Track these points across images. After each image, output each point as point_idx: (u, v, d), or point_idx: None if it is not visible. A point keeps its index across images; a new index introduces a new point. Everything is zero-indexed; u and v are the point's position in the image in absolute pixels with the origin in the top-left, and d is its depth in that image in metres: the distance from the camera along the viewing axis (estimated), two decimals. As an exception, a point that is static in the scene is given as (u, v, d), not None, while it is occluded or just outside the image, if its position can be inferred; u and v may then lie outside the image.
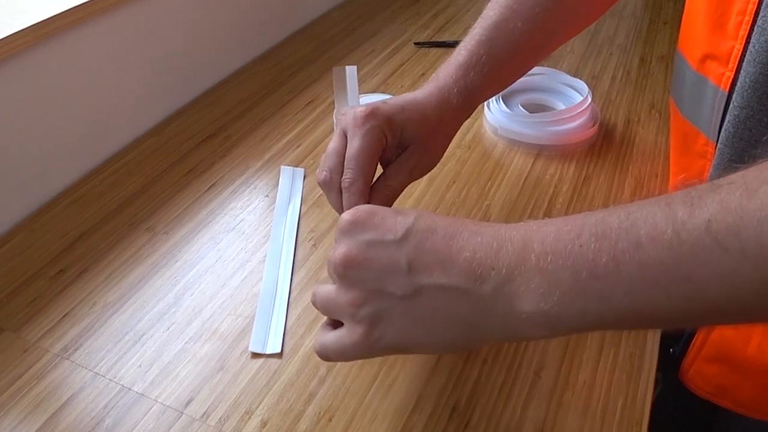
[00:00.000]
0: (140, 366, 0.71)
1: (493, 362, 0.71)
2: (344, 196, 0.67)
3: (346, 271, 0.53)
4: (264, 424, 0.65)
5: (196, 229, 0.89)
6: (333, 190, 0.68)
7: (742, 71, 0.63)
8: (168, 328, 0.75)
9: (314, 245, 0.86)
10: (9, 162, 0.89)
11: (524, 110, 1.07)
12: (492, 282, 0.48)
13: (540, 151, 1.03)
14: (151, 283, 0.81)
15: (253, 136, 1.08)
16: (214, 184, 0.97)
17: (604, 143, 1.06)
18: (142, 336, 0.74)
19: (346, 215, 0.55)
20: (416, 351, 0.55)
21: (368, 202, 0.67)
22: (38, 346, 0.74)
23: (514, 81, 0.88)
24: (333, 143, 0.70)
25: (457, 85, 0.76)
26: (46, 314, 0.77)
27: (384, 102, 0.71)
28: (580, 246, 0.46)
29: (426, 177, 0.93)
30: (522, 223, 0.50)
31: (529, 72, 1.12)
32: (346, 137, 0.69)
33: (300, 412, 0.66)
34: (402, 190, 0.73)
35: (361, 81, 1.23)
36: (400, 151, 0.72)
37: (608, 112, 1.14)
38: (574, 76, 1.16)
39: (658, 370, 0.72)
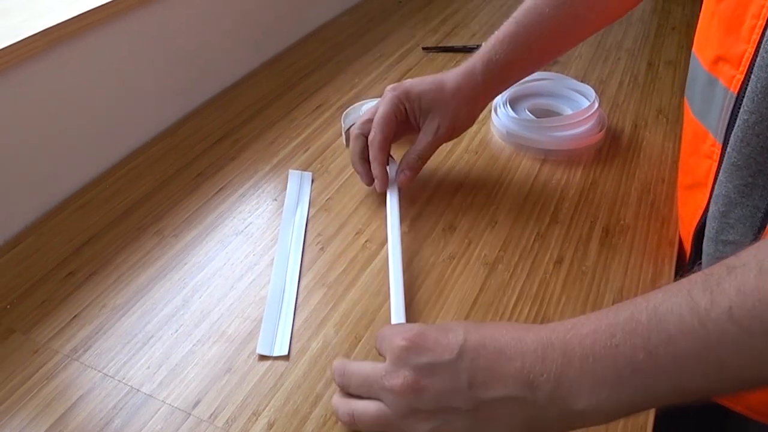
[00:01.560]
0: (149, 367, 0.71)
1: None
2: (370, 148, 0.89)
3: (411, 396, 0.55)
4: (271, 425, 0.66)
5: (204, 233, 0.89)
6: (356, 141, 0.91)
7: (753, 75, 0.63)
8: (176, 331, 0.75)
9: (321, 249, 0.86)
10: (19, 164, 0.90)
11: (531, 115, 1.07)
12: (544, 387, 0.52)
13: (547, 156, 1.03)
14: (160, 285, 0.81)
15: (262, 140, 1.09)
16: (223, 188, 0.98)
17: (611, 148, 1.06)
18: (150, 338, 0.75)
19: (399, 338, 0.58)
20: None
21: (388, 154, 0.91)
22: (48, 348, 0.74)
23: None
24: (368, 108, 0.93)
25: (482, 60, 0.91)
26: (56, 316, 0.78)
27: (412, 79, 0.92)
28: (617, 346, 0.49)
29: (434, 181, 0.95)
30: (557, 324, 0.54)
31: (537, 77, 1.13)
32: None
33: (307, 413, 0.66)
34: (430, 153, 0.92)
35: (369, 86, 1.24)
36: (425, 117, 0.90)
37: (615, 117, 1.14)
38: (582, 80, 1.17)
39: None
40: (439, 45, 1.40)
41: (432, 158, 0.93)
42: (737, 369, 0.47)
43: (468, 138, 1.07)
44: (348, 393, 0.63)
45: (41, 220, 0.93)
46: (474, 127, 1.08)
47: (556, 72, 1.24)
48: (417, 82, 0.91)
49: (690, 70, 0.82)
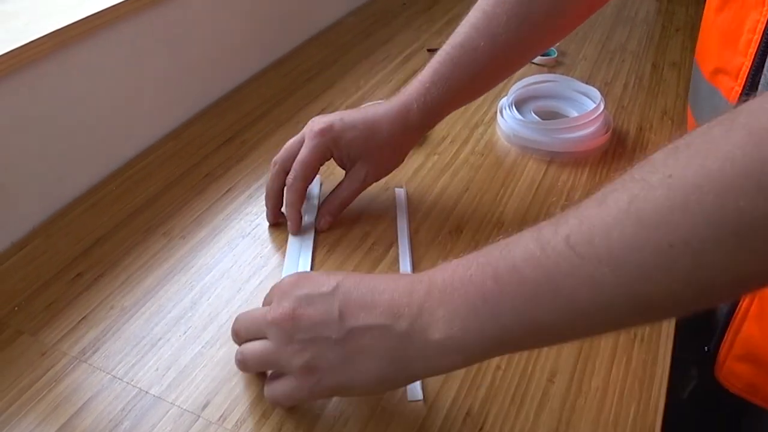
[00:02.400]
0: (157, 369, 0.72)
1: (506, 368, 0.72)
2: (286, 191, 0.87)
3: (287, 324, 0.59)
4: (280, 426, 0.66)
5: (212, 234, 0.90)
6: (274, 180, 0.88)
7: (758, 89, 0.64)
8: (185, 332, 0.76)
9: (329, 251, 0.87)
10: (27, 166, 0.90)
11: (537, 117, 1.07)
12: (407, 318, 0.55)
13: (553, 158, 1.03)
14: (168, 287, 0.82)
15: (269, 141, 1.09)
16: (230, 189, 0.98)
17: (616, 150, 1.06)
18: (159, 340, 0.75)
19: (286, 280, 0.64)
20: (353, 391, 0.62)
21: (302, 200, 0.88)
22: (56, 350, 0.74)
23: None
24: (291, 142, 0.88)
25: (417, 102, 0.87)
26: (64, 318, 0.78)
27: (343, 118, 0.87)
28: (471, 276, 0.53)
29: (439, 184, 0.95)
30: (439, 266, 0.57)
31: (542, 79, 1.13)
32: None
33: (316, 415, 0.67)
34: (353, 197, 0.90)
35: (374, 88, 1.25)
36: (353, 163, 0.88)
37: (621, 119, 1.15)
38: (587, 82, 1.17)
39: (692, 366, 0.72)
40: (445, 46, 1.40)
41: (437, 161, 0.94)
42: (572, 299, 0.48)
43: (474, 140, 1.07)
44: (241, 341, 0.67)
45: (49, 221, 0.93)
46: (479, 129, 1.09)
47: (561, 74, 1.24)
48: (348, 127, 0.86)
49: (692, 78, 0.83)
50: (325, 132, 0.85)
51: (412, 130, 0.89)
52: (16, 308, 0.79)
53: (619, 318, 0.50)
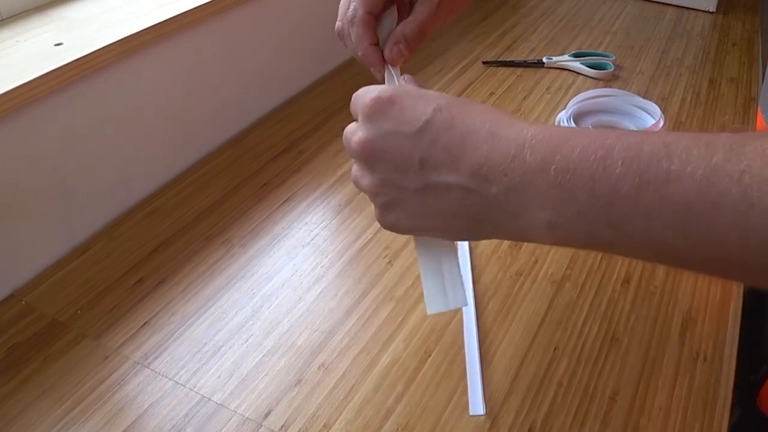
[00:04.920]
0: (219, 377, 0.72)
1: (568, 385, 0.71)
2: (351, 33, 0.67)
3: (363, 157, 0.52)
4: (342, 438, 0.66)
5: (271, 243, 0.90)
6: (345, 37, 0.69)
7: None
8: (246, 341, 0.76)
9: (389, 262, 0.87)
10: (91, 172, 0.91)
11: (596, 132, 1.07)
12: (501, 185, 0.47)
13: (611, 173, 1.02)
14: (229, 295, 0.82)
15: (326, 152, 1.10)
16: (288, 199, 0.98)
17: (675, 166, 1.05)
18: (220, 347, 0.76)
19: (368, 99, 0.52)
20: (426, 235, 0.57)
21: (375, 38, 0.67)
22: (119, 354, 0.75)
23: None
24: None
25: None
26: (126, 323, 0.79)
27: None
28: (605, 168, 0.44)
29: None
30: (550, 127, 0.48)
31: (601, 93, 1.13)
32: None
33: (378, 428, 0.67)
34: (431, 24, 0.68)
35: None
36: None
37: (679, 135, 1.13)
38: (644, 97, 1.16)
39: (736, 397, 0.71)
40: (499, 59, 1.40)
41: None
42: (721, 238, 0.41)
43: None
44: None
45: (111, 225, 0.94)
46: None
47: (618, 88, 1.23)
48: None
49: (765, 80, 0.81)
50: None
51: None
52: (78, 312, 0.81)
53: (763, 273, 0.43)
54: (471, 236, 0.54)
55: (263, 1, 1.13)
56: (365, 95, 0.53)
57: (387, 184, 0.52)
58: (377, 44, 0.68)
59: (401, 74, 0.66)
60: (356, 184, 0.56)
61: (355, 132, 0.53)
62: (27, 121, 0.81)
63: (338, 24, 0.69)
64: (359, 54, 0.68)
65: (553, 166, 0.45)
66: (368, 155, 0.52)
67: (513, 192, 0.47)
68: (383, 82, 0.66)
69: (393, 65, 0.67)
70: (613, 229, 0.44)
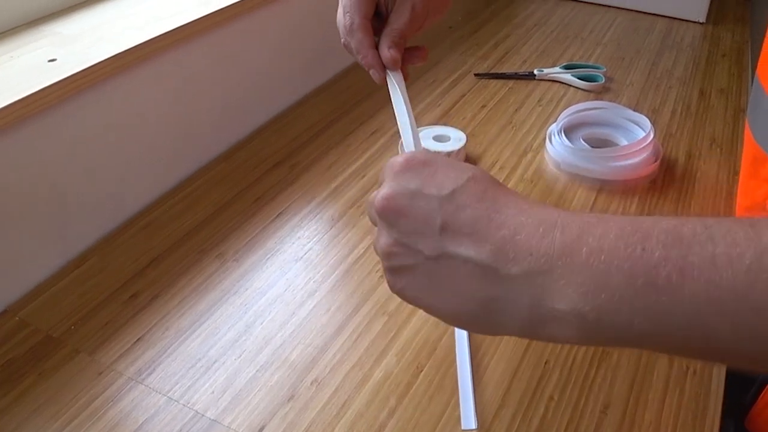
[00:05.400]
0: (213, 392, 0.73)
1: (559, 399, 0.72)
2: (352, 41, 0.71)
3: (383, 212, 0.49)
4: (335, 454, 0.66)
5: (264, 257, 0.91)
6: (351, 48, 0.73)
7: None
8: (239, 356, 0.77)
9: (381, 277, 0.87)
10: (84, 186, 0.92)
11: (586, 145, 1.08)
12: (525, 265, 0.43)
13: (602, 185, 1.03)
14: (222, 310, 0.83)
15: (319, 165, 1.10)
16: (281, 213, 0.99)
17: (665, 178, 1.06)
18: (214, 362, 0.76)
19: (400, 158, 0.51)
20: (432, 313, 0.52)
21: (374, 42, 0.72)
22: (113, 369, 0.76)
23: None
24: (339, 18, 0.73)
25: None
26: (120, 338, 0.80)
27: None
28: (643, 250, 0.40)
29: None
30: (580, 212, 0.46)
31: (591, 106, 1.13)
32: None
33: (369, 442, 0.67)
34: (410, 31, 0.73)
35: (423, 113, 1.25)
36: (394, 2, 0.73)
37: (669, 147, 1.14)
38: (635, 109, 1.17)
39: (726, 416, 0.72)
40: (491, 71, 1.41)
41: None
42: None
43: (523, 167, 1.08)
44: None
45: (105, 239, 0.95)
46: (528, 156, 1.09)
47: (609, 100, 1.24)
48: None
49: (753, 94, 0.81)
50: None
51: None
52: (72, 327, 0.81)
53: None
54: (479, 326, 0.49)
55: (255, 15, 1.14)
56: (398, 157, 0.51)
57: (402, 245, 0.49)
58: (377, 48, 0.72)
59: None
60: (375, 247, 0.53)
61: (380, 190, 0.51)
62: (20, 138, 0.81)
63: (343, 39, 0.73)
64: (360, 59, 0.72)
65: (585, 248, 0.42)
66: (389, 210, 0.49)
67: (537, 274, 0.43)
68: (384, 84, 0.72)
69: (392, 70, 0.72)
70: (649, 316, 0.40)
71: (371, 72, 0.73)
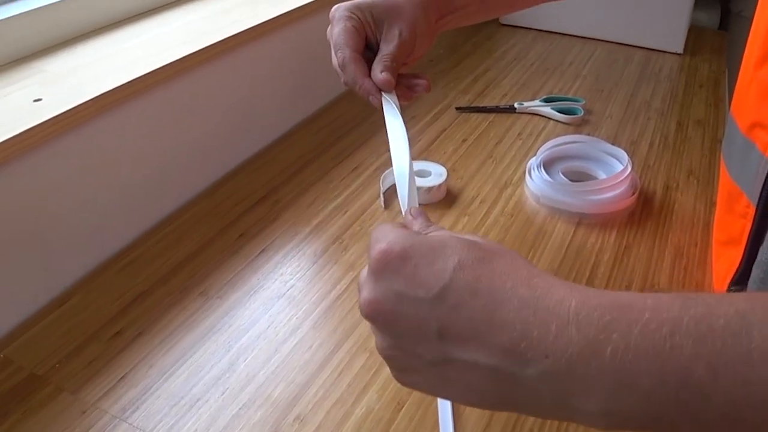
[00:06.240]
0: (196, 430, 0.73)
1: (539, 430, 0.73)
2: (344, 74, 0.76)
3: (371, 318, 0.46)
4: (317, 492, 0.67)
5: (248, 294, 0.91)
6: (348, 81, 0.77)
7: None
8: (222, 393, 0.77)
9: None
10: (66, 224, 0.92)
11: (565, 178, 1.09)
12: (541, 367, 0.40)
13: (581, 219, 1.05)
14: (206, 347, 0.83)
15: (300, 201, 1.11)
16: (264, 249, 1.00)
17: (643, 211, 1.07)
18: (197, 401, 0.76)
19: (377, 252, 0.46)
20: (456, 402, 0.50)
21: (367, 71, 0.76)
22: (97, 408, 0.76)
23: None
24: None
25: None
26: (104, 376, 0.80)
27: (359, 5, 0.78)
28: (671, 347, 0.37)
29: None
30: (592, 292, 0.42)
31: (570, 140, 1.15)
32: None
33: (352, 479, 0.68)
34: (400, 56, 0.77)
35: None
36: (381, 31, 0.77)
37: (647, 179, 1.16)
38: (613, 142, 1.19)
39: None
40: (472, 105, 1.43)
41: (467, 221, 0.93)
42: None
43: (503, 200, 1.09)
44: None
45: (88, 277, 0.95)
46: (509, 190, 1.11)
47: (587, 132, 1.26)
48: (367, 4, 0.78)
49: (727, 131, 0.83)
50: (339, 6, 0.77)
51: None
52: (56, 365, 0.81)
53: None
54: (503, 409, 0.46)
55: (234, 54, 1.15)
56: (375, 243, 0.47)
57: (401, 350, 0.46)
58: (370, 76, 0.76)
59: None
60: (375, 345, 0.49)
61: (362, 286, 0.47)
62: (3, 178, 0.82)
63: (342, 78, 0.77)
64: (358, 88, 0.76)
65: (610, 347, 0.39)
66: (376, 317, 0.46)
67: (556, 377, 0.40)
68: (380, 107, 0.75)
69: (386, 92, 0.75)
70: (683, 413, 0.38)
71: (370, 99, 0.76)
